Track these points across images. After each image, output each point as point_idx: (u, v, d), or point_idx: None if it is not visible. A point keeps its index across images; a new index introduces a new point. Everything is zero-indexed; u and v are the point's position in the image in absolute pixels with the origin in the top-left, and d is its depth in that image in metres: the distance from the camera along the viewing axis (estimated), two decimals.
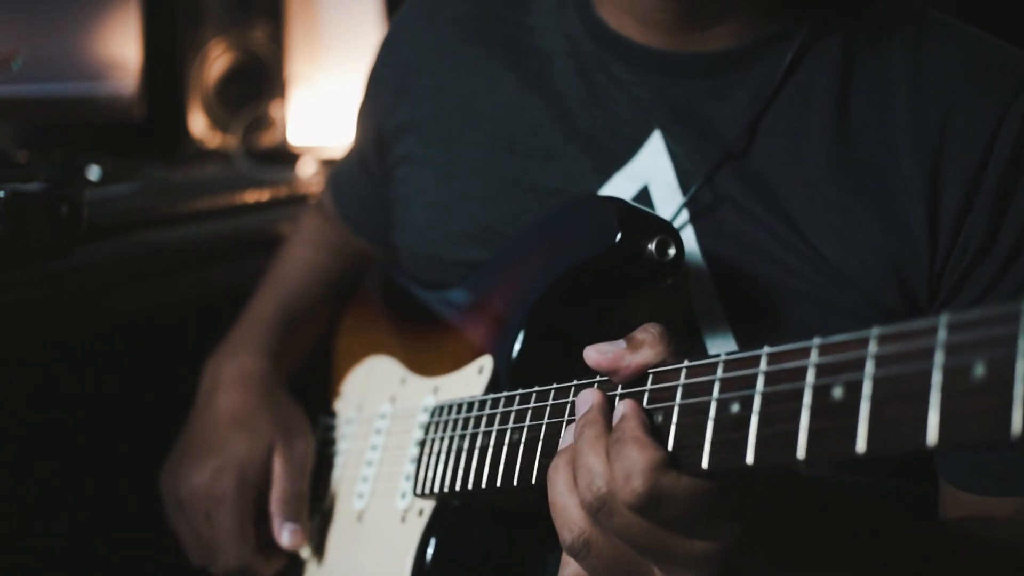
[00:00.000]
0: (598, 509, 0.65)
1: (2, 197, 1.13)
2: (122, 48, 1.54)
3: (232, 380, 1.13)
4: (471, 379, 0.93)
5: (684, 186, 0.91)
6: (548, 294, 0.88)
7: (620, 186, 0.94)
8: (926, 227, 0.85)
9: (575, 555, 0.68)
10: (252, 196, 1.64)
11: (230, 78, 1.86)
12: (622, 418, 0.66)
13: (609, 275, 0.85)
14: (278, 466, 1.05)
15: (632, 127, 0.94)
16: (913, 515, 0.85)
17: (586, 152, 0.96)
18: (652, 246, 0.83)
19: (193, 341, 1.58)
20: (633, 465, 0.62)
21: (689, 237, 0.90)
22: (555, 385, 0.79)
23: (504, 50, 1.02)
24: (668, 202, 0.92)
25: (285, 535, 1.04)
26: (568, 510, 0.67)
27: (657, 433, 0.66)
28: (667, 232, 0.83)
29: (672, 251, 0.83)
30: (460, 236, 1.01)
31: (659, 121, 0.93)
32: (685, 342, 0.89)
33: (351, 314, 1.22)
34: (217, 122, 1.85)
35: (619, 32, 0.95)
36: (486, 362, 0.92)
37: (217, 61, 1.84)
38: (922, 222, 0.85)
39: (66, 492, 1.48)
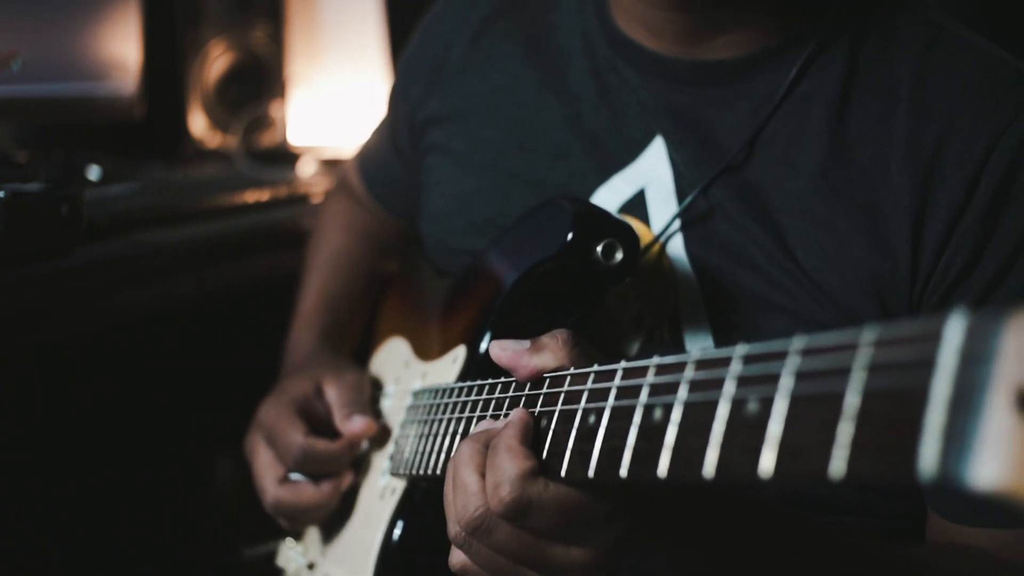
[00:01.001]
0: (475, 529, 0.67)
1: (2, 197, 1.12)
2: (122, 48, 1.54)
3: (296, 359, 1.18)
4: (447, 368, 0.96)
5: (680, 191, 0.92)
6: (514, 291, 0.91)
7: (618, 187, 0.95)
8: (909, 246, 0.83)
9: (459, 547, 0.71)
10: (252, 196, 1.64)
11: (230, 78, 1.86)
12: (506, 425, 0.69)
13: (565, 275, 0.87)
14: (330, 391, 1.05)
15: (636, 131, 0.95)
16: (848, 536, 0.84)
17: (591, 152, 0.97)
18: (600, 249, 0.85)
19: (193, 341, 1.59)
20: (503, 474, 0.65)
21: (678, 243, 0.91)
22: (490, 380, 0.81)
23: (528, 48, 1.04)
24: (663, 206, 0.93)
25: (354, 421, 1.00)
26: (453, 509, 0.70)
27: (539, 437, 0.68)
28: (617, 235, 0.85)
29: (619, 255, 0.85)
30: (467, 227, 1.05)
31: (662, 127, 0.94)
32: (668, 344, 0.90)
33: (389, 295, 1.26)
34: (217, 122, 1.85)
35: (629, 36, 0.96)
36: (460, 352, 0.95)
37: (217, 61, 1.85)
38: (906, 241, 0.83)
39: (66, 491, 1.48)
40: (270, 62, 1.90)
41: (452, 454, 0.79)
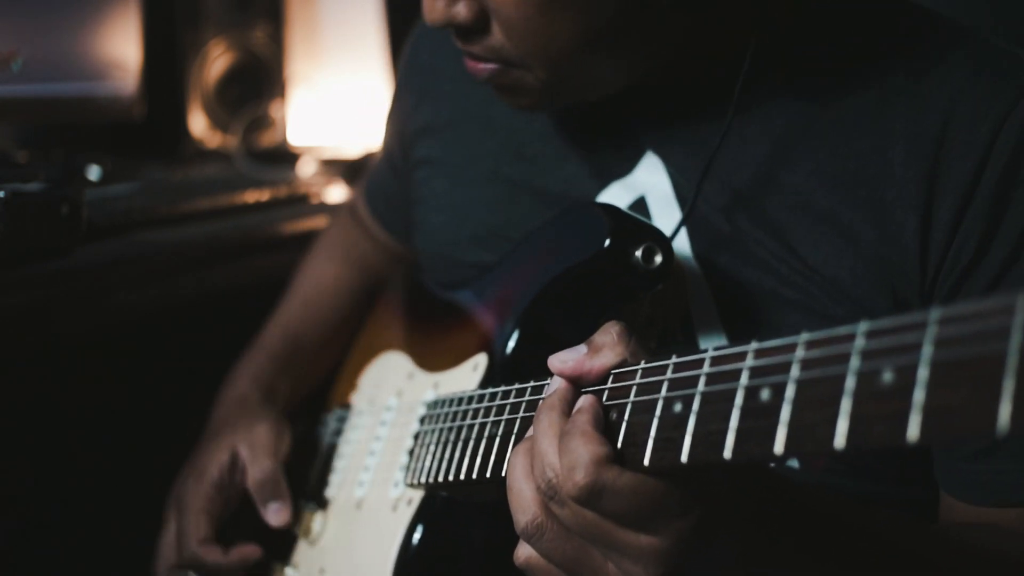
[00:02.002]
0: (551, 498, 0.67)
1: (2, 197, 1.13)
2: (122, 48, 1.54)
3: (226, 402, 1.19)
4: (466, 375, 0.95)
5: (680, 198, 0.92)
6: (542, 295, 0.90)
7: (617, 194, 0.95)
8: (917, 237, 0.83)
9: (528, 539, 0.70)
10: (252, 196, 1.64)
11: (230, 78, 1.86)
12: (577, 411, 0.69)
13: (600, 279, 0.87)
14: (244, 457, 1.08)
15: (628, 145, 0.96)
16: (890, 514, 0.85)
17: (588, 160, 0.98)
18: (639, 253, 0.85)
19: (193, 341, 1.59)
20: (578, 459, 0.64)
21: (685, 246, 0.91)
22: (532, 383, 0.81)
23: None
24: (665, 212, 0.93)
25: (271, 514, 1.07)
26: (523, 494, 0.70)
27: (610, 430, 0.67)
28: (655, 240, 0.85)
29: (658, 259, 0.85)
30: (470, 238, 1.04)
31: (650, 141, 0.95)
32: (682, 345, 0.90)
33: (376, 312, 1.25)
34: (217, 122, 1.85)
35: None
36: (481, 360, 0.95)
37: (217, 61, 1.85)
38: (914, 232, 0.83)
39: (66, 492, 1.48)
40: (270, 62, 1.90)
41: (520, 436, 0.79)
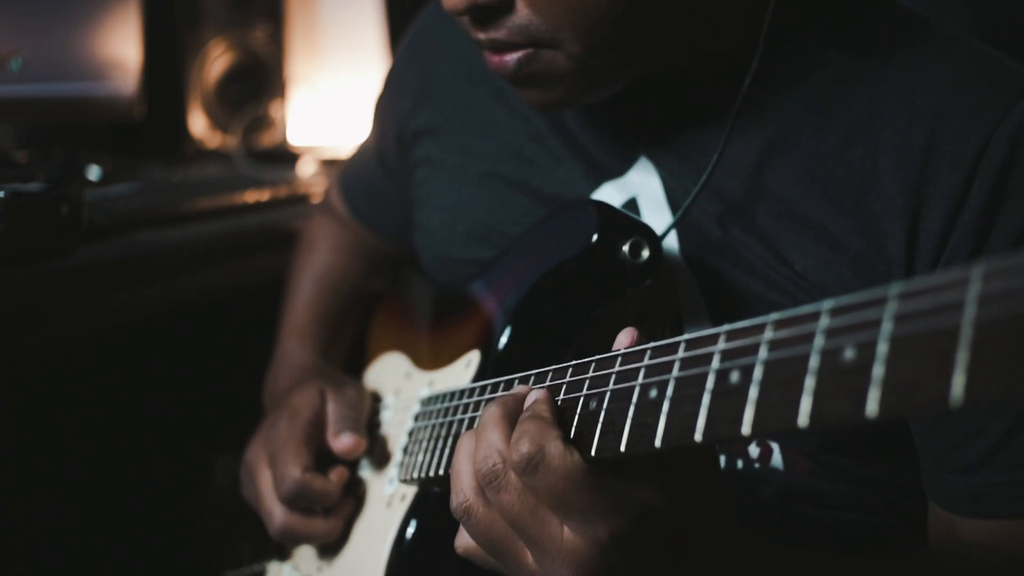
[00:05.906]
0: (489, 482, 0.69)
1: (2, 197, 1.12)
2: (122, 48, 1.54)
3: (290, 370, 1.18)
4: (460, 373, 0.96)
5: (672, 201, 0.92)
6: (533, 292, 0.91)
7: (609, 194, 0.96)
8: (904, 248, 0.82)
9: (459, 519, 0.73)
10: (252, 196, 1.64)
11: (230, 78, 1.86)
12: (535, 400, 0.71)
13: (589, 274, 0.88)
14: (330, 404, 1.05)
15: (621, 147, 0.96)
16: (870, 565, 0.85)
17: (581, 160, 0.98)
18: (626, 247, 0.86)
19: (193, 341, 1.59)
20: (525, 433, 0.67)
21: (675, 248, 0.91)
22: (517, 375, 0.81)
23: None
24: (655, 214, 0.93)
25: (342, 438, 1.02)
26: (460, 476, 0.72)
27: (591, 418, 0.69)
28: (642, 234, 0.86)
29: (646, 253, 0.86)
30: (467, 236, 1.05)
31: (643, 143, 0.94)
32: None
33: (378, 314, 1.26)
34: (217, 122, 1.85)
35: None
36: (474, 357, 0.95)
37: (217, 61, 1.85)
38: (900, 243, 0.82)
39: (66, 491, 1.49)
40: (270, 62, 1.90)
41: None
